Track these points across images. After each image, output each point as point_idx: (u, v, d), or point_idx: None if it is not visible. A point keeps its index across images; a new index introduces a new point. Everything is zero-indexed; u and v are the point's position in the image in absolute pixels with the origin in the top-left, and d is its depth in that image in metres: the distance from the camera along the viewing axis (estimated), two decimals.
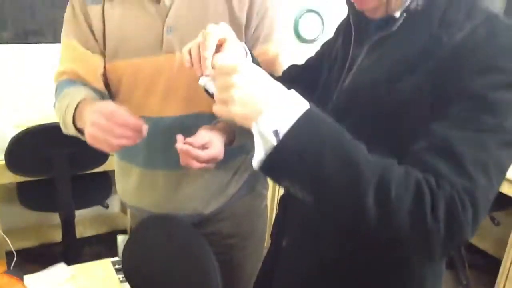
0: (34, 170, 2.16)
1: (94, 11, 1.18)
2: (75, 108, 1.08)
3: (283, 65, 1.28)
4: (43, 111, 2.46)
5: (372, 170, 0.68)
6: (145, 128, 0.97)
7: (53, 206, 2.26)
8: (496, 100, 0.71)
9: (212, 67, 0.89)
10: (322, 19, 3.05)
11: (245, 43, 1.18)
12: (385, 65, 0.82)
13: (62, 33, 1.24)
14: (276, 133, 0.69)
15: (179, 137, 1.04)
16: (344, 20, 1.01)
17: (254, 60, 1.03)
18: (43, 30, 2.62)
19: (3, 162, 2.06)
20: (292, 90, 0.73)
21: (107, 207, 2.49)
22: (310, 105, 0.72)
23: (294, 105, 0.71)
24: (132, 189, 1.36)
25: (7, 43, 2.47)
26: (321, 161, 0.68)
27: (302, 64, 1.16)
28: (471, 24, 0.76)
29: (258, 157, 0.71)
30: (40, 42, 2.63)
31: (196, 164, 1.05)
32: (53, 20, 2.69)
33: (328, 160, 0.68)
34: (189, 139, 1.05)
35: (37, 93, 2.48)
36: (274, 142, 0.69)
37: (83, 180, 2.30)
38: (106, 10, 1.17)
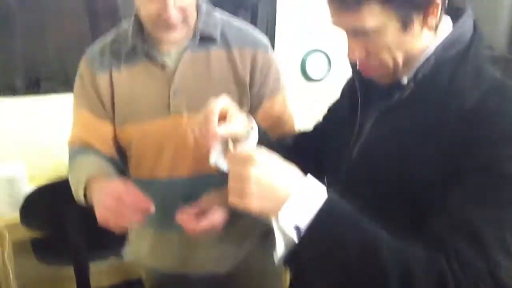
0: (48, 225, 2.16)
1: (103, 79, 1.22)
2: (85, 185, 1.13)
3: (292, 115, 1.28)
4: (57, 162, 2.50)
5: (395, 259, 0.67)
6: (153, 207, 1.01)
7: (68, 259, 2.25)
8: None
9: (218, 137, 0.91)
10: (328, 59, 3.08)
11: (251, 101, 1.21)
12: (395, 136, 0.81)
13: (73, 102, 1.27)
14: (297, 228, 0.68)
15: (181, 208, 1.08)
16: (349, 81, 1.01)
17: (260, 129, 1.03)
18: (55, 77, 2.68)
19: (18, 217, 2.07)
20: (309, 177, 0.72)
21: (122, 257, 2.48)
22: (328, 194, 0.71)
23: (313, 197, 0.70)
24: (146, 250, 1.36)
25: (19, 93, 2.52)
26: (343, 255, 0.68)
27: (310, 131, 1.16)
28: (479, 92, 0.75)
29: (279, 251, 0.70)
30: (52, 90, 2.69)
31: (195, 232, 1.08)
32: (64, 67, 2.76)
33: (350, 254, 0.68)
34: (185, 209, 1.09)
35: (51, 145, 2.52)
36: (295, 238, 0.69)
37: (97, 231, 2.28)
38: (114, 77, 1.22)
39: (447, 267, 0.66)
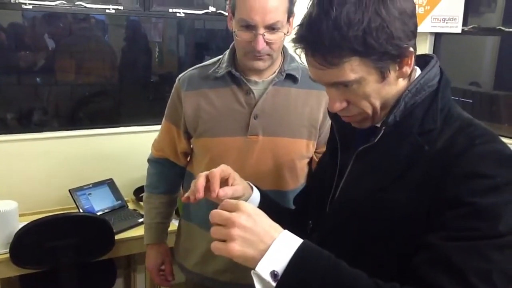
0: (39, 262, 2.13)
1: (189, 96, 1.46)
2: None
3: None
4: (47, 199, 2.49)
5: None
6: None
7: None
8: (486, 205, 0.73)
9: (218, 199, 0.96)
10: None
11: (317, 142, 1.44)
12: (373, 176, 0.85)
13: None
14: (274, 274, 0.72)
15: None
16: (330, 127, 1.06)
17: (263, 192, 1.08)
18: (46, 112, 2.71)
19: (7, 255, 2.04)
20: (286, 231, 0.77)
21: None
22: (304, 242, 0.75)
23: (290, 245, 0.74)
24: (197, 254, 1.51)
25: (11, 132, 2.53)
26: None
27: (304, 189, 1.24)
28: (449, 132, 0.80)
29: None
30: (44, 126, 2.70)
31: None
32: (56, 103, 2.80)
33: None
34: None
35: (41, 182, 2.51)
36: (273, 284, 0.71)
37: (88, 269, 2.25)
38: (202, 95, 1.44)
39: None
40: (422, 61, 0.89)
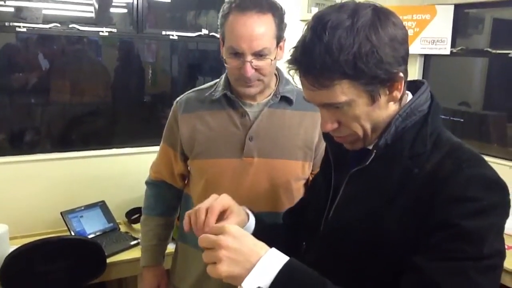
0: (30, 286, 2.10)
1: (186, 118, 1.48)
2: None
3: None
4: (38, 222, 2.47)
5: None
6: None
7: None
8: (471, 228, 0.75)
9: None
10: None
11: (313, 163, 1.44)
12: (365, 198, 0.87)
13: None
14: None
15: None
16: (325, 149, 1.08)
17: (258, 219, 1.09)
18: (38, 132, 2.70)
19: None
20: (273, 249, 0.80)
21: None
22: (290, 260, 0.78)
23: (275, 263, 0.77)
24: (193, 276, 1.51)
25: (2, 154, 2.52)
26: None
27: (294, 206, 1.25)
28: (439, 155, 0.83)
29: None
30: (36, 147, 2.69)
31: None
32: (48, 124, 2.79)
33: None
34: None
35: (32, 204, 2.50)
36: None
37: None
38: (198, 117, 1.46)
39: None
40: (413, 86, 0.92)
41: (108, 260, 2.19)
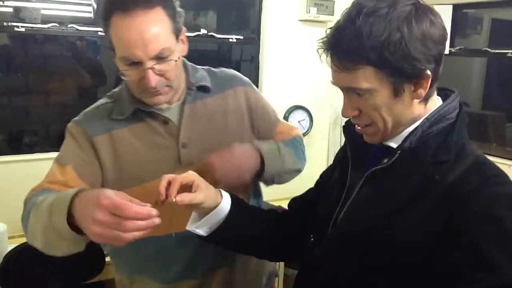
0: (28, 285, 2.10)
1: (101, 140, 1.21)
2: (69, 205, 0.93)
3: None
4: None
5: None
6: (155, 213, 0.86)
7: None
8: (491, 252, 0.73)
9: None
10: (310, 115, 3.16)
11: (262, 127, 1.36)
12: (380, 200, 0.85)
13: (55, 159, 1.26)
14: None
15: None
16: (342, 147, 1.06)
17: (235, 200, 1.08)
18: (37, 133, 2.69)
19: None
20: None
21: None
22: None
23: None
24: None
25: (0, 154, 2.51)
26: None
27: (302, 196, 1.22)
28: (462, 167, 0.81)
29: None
30: (35, 146, 2.68)
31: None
32: (47, 124, 2.78)
33: None
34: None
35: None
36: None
37: None
38: (116, 137, 1.21)
39: None
40: (443, 94, 0.92)
41: (107, 259, 2.18)
